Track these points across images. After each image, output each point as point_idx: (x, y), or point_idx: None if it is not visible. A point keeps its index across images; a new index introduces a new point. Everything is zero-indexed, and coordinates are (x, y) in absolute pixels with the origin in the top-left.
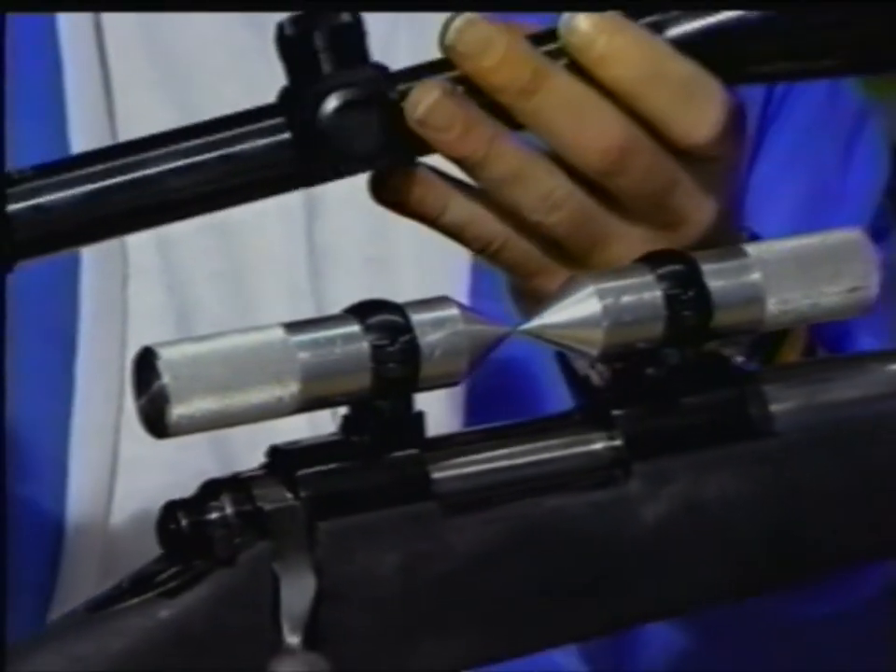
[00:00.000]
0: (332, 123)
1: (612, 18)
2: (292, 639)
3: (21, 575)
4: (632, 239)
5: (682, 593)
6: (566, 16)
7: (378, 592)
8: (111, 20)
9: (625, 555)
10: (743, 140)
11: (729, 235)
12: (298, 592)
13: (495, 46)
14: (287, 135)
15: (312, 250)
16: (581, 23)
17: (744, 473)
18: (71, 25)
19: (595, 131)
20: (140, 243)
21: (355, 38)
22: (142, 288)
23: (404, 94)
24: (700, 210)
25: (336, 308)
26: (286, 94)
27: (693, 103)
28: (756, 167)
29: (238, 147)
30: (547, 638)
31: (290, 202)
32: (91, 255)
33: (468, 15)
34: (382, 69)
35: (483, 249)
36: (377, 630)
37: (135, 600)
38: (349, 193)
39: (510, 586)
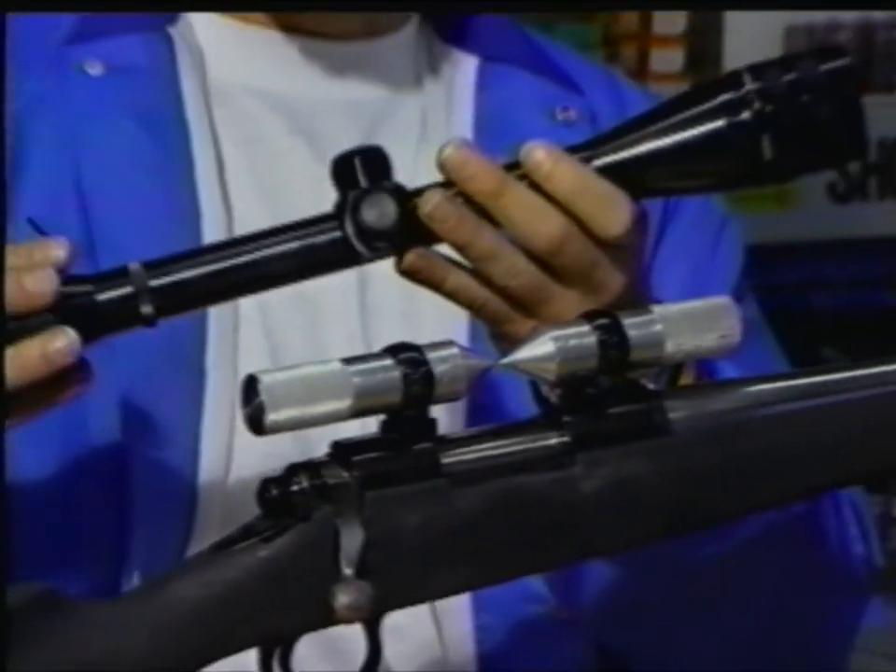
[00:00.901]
0: (367, 220)
1: (557, 151)
2: (348, 571)
3: (163, 539)
4: (568, 299)
5: (610, 541)
6: (525, 147)
7: (406, 540)
8: (231, 164)
9: (572, 515)
10: (645, 236)
11: (637, 300)
12: (352, 540)
13: (470, 163)
14: (338, 234)
15: (363, 310)
16: (536, 153)
17: (652, 460)
18: (205, 175)
19: (541, 225)
20: (246, 303)
21: (382, 164)
22: (247, 333)
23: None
24: (614, 282)
25: (378, 348)
26: (338, 205)
27: (609, 210)
28: (658, 253)
29: (307, 242)
30: (520, 571)
31: (348, 277)
32: (214, 310)
33: (454, 142)
34: (400, 186)
35: (471, 306)
36: (406, 565)
37: (243, 544)
38: (387, 271)
39: (495, 536)
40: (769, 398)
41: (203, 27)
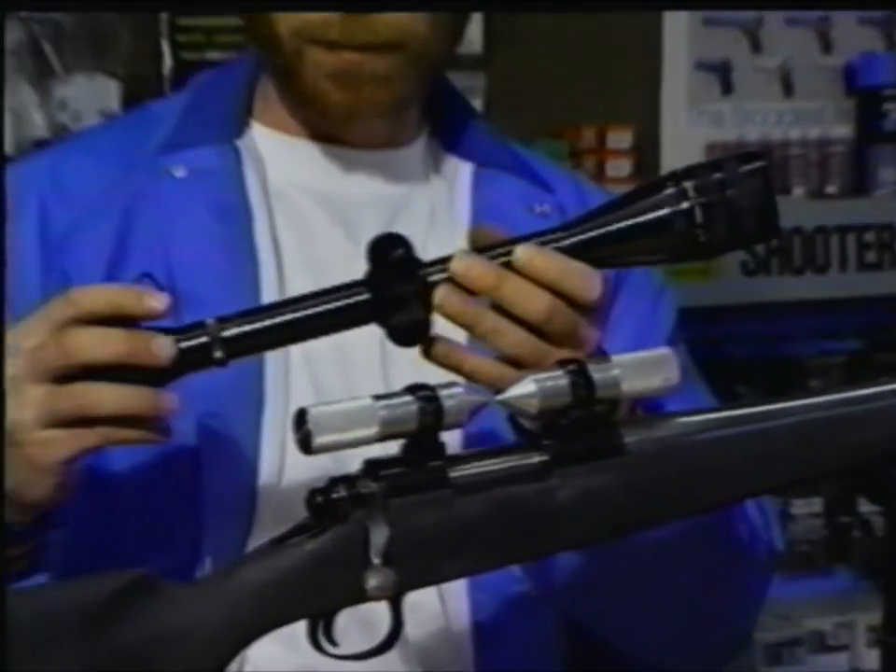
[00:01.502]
0: (392, 296)
1: (540, 249)
2: (376, 561)
3: (229, 534)
4: (557, 356)
5: (580, 537)
6: (517, 249)
7: (421, 536)
8: (285, 245)
9: (550, 518)
10: (607, 299)
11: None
12: (379, 536)
13: (473, 268)
14: (367, 296)
15: (384, 358)
16: (520, 253)
17: (612, 474)
18: (265, 253)
19: (533, 304)
20: (295, 351)
21: (407, 246)
22: (297, 375)
23: (430, 282)
24: (592, 335)
25: (396, 387)
26: (368, 275)
27: (586, 283)
28: (610, 314)
29: (342, 302)
30: (509, 561)
31: (372, 333)
32: (269, 357)
33: (459, 254)
34: (419, 263)
35: (489, 384)
36: (421, 556)
37: (295, 539)
38: None
39: (490, 533)
40: (701, 426)
41: (262, 139)
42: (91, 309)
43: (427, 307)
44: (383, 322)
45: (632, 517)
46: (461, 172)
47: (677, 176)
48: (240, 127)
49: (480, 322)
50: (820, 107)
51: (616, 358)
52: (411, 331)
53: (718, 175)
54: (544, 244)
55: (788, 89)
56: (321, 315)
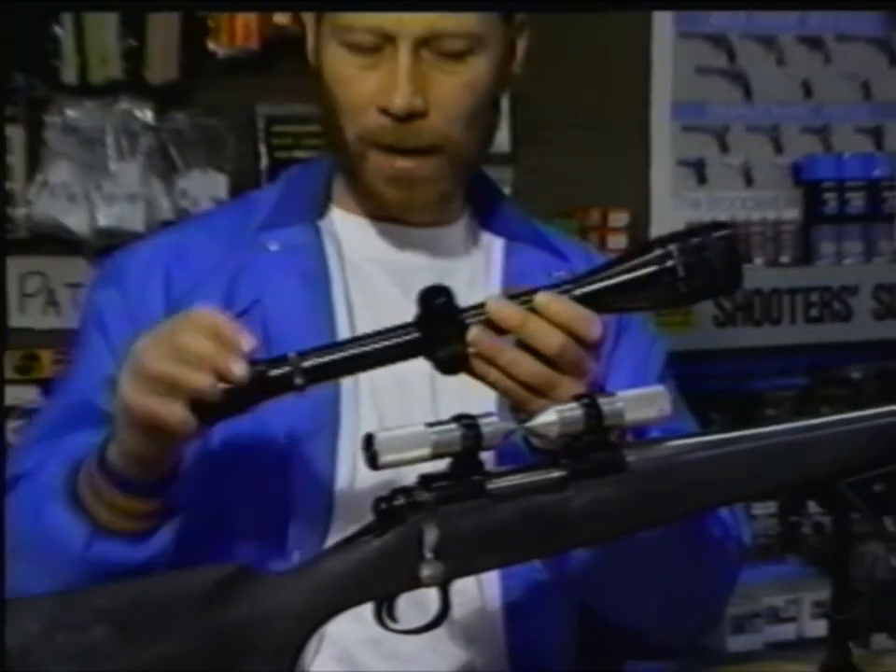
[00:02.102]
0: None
1: (552, 294)
2: (429, 555)
3: (311, 533)
4: (568, 385)
5: (591, 537)
6: (537, 297)
7: (464, 536)
8: (357, 304)
9: (566, 521)
10: (607, 339)
11: (599, 379)
12: (431, 535)
13: (502, 310)
14: (417, 335)
15: (433, 393)
16: (540, 298)
17: (617, 487)
18: (340, 310)
19: (549, 340)
20: (363, 388)
21: (448, 295)
22: (365, 407)
23: (466, 323)
24: (592, 368)
25: (443, 416)
26: (418, 318)
27: (590, 326)
28: (613, 356)
29: (397, 339)
30: (534, 556)
31: (423, 372)
32: (344, 392)
33: (492, 299)
34: (458, 309)
35: (503, 394)
36: (463, 551)
37: (364, 538)
38: None
39: (519, 533)
40: (688, 448)
41: (339, 220)
42: (201, 325)
43: (465, 343)
44: (429, 355)
45: (632, 521)
46: (495, 245)
47: (662, 241)
48: (321, 210)
49: (501, 355)
50: (774, 196)
51: (620, 394)
52: (452, 362)
53: (695, 240)
54: (559, 294)
55: (749, 181)
56: (380, 350)
